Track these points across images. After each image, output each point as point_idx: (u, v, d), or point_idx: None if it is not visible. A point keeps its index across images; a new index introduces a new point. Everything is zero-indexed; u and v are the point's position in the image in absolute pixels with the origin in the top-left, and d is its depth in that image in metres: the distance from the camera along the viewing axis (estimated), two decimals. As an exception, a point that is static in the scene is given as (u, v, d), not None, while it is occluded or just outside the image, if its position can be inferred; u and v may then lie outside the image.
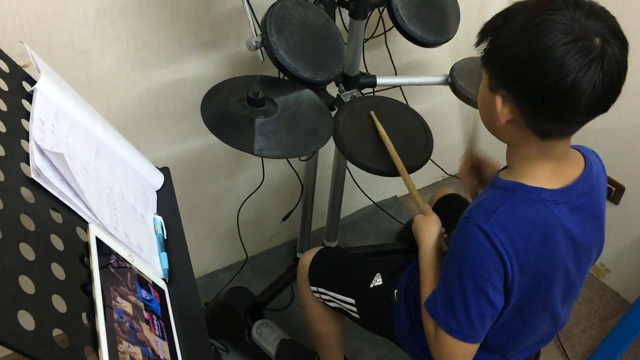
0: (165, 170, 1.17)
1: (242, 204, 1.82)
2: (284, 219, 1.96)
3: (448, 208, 1.56)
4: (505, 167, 1.05)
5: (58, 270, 0.72)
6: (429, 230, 1.18)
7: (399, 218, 2.27)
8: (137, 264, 0.89)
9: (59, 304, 0.68)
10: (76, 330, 0.68)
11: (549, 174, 0.97)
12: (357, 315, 1.36)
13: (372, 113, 1.38)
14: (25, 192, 0.76)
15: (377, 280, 1.33)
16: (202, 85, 1.53)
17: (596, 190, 1.03)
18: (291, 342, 1.68)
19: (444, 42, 1.60)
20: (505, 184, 0.99)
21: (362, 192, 2.05)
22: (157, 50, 1.46)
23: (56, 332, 0.66)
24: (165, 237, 1.03)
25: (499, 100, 0.91)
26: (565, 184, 0.98)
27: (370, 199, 2.13)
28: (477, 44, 0.93)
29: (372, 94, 1.71)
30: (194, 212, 1.83)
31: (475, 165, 1.29)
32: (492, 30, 0.91)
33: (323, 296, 1.41)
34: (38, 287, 0.66)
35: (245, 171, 1.83)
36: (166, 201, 1.10)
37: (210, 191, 1.82)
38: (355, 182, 2.00)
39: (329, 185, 1.85)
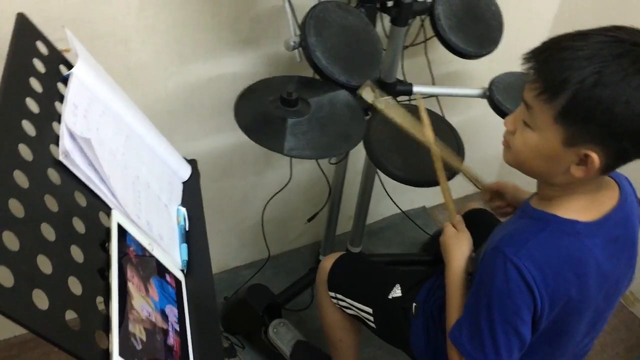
0: (192, 163, 1.18)
1: (268, 202, 1.82)
2: (309, 220, 1.95)
3: (475, 224, 1.53)
4: (536, 193, 1.02)
5: (77, 253, 0.73)
6: (461, 248, 1.13)
7: (426, 229, 2.25)
8: (157, 253, 0.90)
9: (75, 286, 0.69)
10: (89, 314, 0.69)
11: (585, 205, 0.94)
12: (373, 325, 1.35)
13: (422, 105, 1.30)
14: (52, 174, 0.77)
15: (396, 292, 1.31)
16: (239, 82, 1.54)
17: (630, 220, 0.99)
18: (306, 344, 1.68)
19: (485, 55, 1.57)
20: (537, 214, 0.96)
21: (391, 199, 2.03)
22: (196, 44, 1.47)
23: (71, 315, 0.67)
24: (187, 229, 1.03)
25: (594, 156, 0.85)
26: (600, 215, 0.95)
27: (399, 207, 2.11)
28: (553, 96, 0.84)
29: (407, 102, 1.70)
30: (221, 206, 1.84)
31: (492, 194, 1.28)
32: (577, 82, 0.82)
33: (340, 302, 1.40)
34: (55, 268, 0.67)
35: (275, 170, 1.83)
36: (191, 193, 1.11)
37: (238, 187, 1.83)
38: (384, 188, 1.98)
39: (357, 190, 1.84)
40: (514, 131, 0.95)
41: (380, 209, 2.21)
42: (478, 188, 1.30)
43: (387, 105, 1.29)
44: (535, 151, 0.92)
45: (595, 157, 0.85)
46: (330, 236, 1.93)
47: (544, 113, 0.87)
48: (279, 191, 1.81)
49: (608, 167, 0.89)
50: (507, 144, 0.99)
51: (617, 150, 0.85)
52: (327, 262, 1.45)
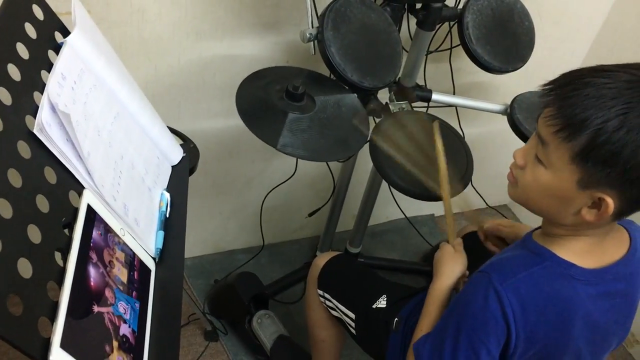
0: (188, 146, 1.15)
1: (270, 191, 1.79)
2: (310, 215, 1.91)
3: (471, 249, 1.47)
4: (539, 227, 0.97)
5: (34, 233, 0.70)
6: (453, 268, 1.10)
7: (430, 238, 2.20)
8: (127, 239, 0.87)
9: (25, 268, 0.66)
10: (35, 299, 0.66)
11: (587, 248, 0.89)
12: (353, 331, 1.32)
13: (436, 124, 1.26)
14: (23, 147, 0.74)
15: (381, 302, 1.28)
16: (254, 65, 1.49)
17: (635, 277, 0.93)
18: (288, 340, 1.65)
19: (510, 71, 1.51)
20: (535, 248, 0.92)
21: (397, 204, 1.98)
22: (214, 22, 1.43)
23: (15, 300, 0.64)
24: (168, 216, 1.00)
25: (609, 200, 0.80)
26: (601, 264, 0.89)
27: (403, 213, 2.06)
28: (572, 135, 0.79)
29: (425, 109, 1.64)
30: (224, 188, 1.81)
31: (490, 235, 1.20)
32: (600, 123, 0.76)
33: (327, 302, 1.38)
34: (5, 247, 0.64)
35: (282, 159, 1.79)
36: (179, 179, 1.07)
37: (244, 171, 1.80)
38: (391, 192, 1.93)
39: (364, 190, 1.80)
40: (523, 166, 0.90)
41: (387, 211, 2.16)
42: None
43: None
44: (546, 190, 0.86)
45: (610, 202, 0.80)
46: (329, 233, 1.90)
47: (561, 151, 0.81)
48: (284, 182, 1.77)
49: (622, 213, 0.83)
50: (513, 179, 0.93)
51: (634, 196, 0.80)
52: (322, 259, 1.43)
